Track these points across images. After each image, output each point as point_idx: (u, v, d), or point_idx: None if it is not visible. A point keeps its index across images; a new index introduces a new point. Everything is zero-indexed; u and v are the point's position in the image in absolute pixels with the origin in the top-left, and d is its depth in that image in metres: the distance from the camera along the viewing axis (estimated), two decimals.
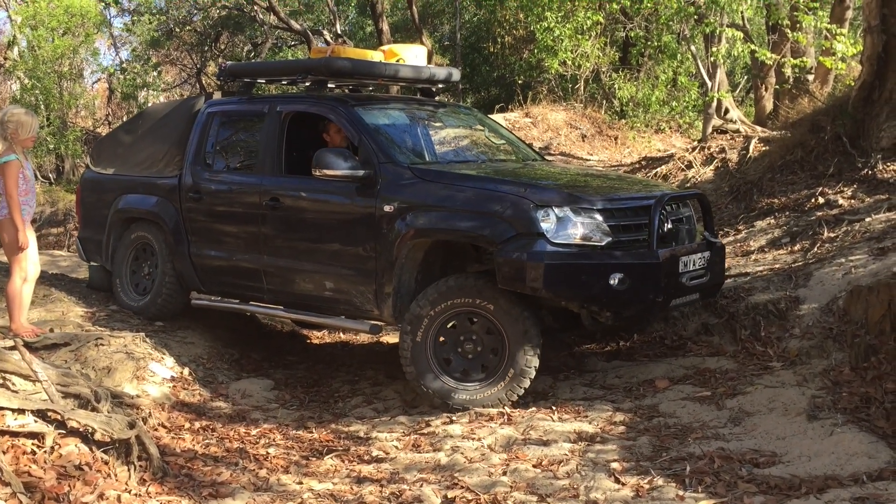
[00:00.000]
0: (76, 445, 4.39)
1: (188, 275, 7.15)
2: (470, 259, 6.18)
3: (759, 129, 12.52)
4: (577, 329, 6.51)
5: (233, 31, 24.43)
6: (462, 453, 4.94)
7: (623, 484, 4.35)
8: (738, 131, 12.21)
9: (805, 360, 5.66)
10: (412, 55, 7.35)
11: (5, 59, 22.49)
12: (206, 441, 5.29)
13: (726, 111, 12.86)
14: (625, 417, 5.32)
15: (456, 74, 7.69)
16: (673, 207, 5.93)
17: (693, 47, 12.83)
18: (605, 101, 18.25)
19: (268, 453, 5.15)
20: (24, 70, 20.20)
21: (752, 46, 11.90)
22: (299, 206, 6.47)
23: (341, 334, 8.40)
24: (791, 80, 13.28)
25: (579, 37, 15.11)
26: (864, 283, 5.86)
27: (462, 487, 4.43)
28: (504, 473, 4.60)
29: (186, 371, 6.45)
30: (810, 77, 13.29)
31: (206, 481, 4.63)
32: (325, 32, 21.01)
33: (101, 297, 7.76)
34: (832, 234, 7.51)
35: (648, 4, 12.25)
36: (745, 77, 20.46)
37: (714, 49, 11.87)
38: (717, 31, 11.64)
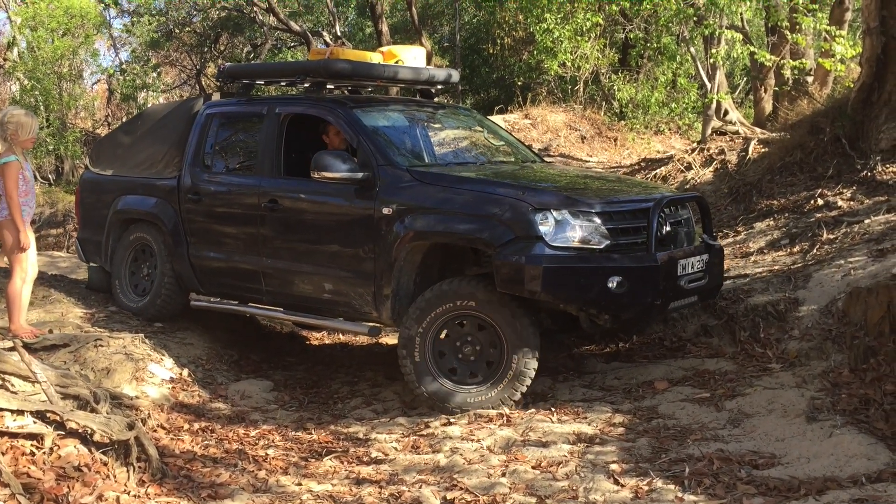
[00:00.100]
0: (75, 446, 4.38)
1: (187, 276, 7.15)
2: (468, 261, 6.18)
3: (758, 130, 12.53)
4: (576, 331, 6.51)
5: (232, 32, 24.43)
6: (461, 454, 4.94)
7: (622, 485, 4.36)
8: (737, 133, 12.23)
9: (804, 362, 5.67)
10: (411, 56, 7.34)
11: (5, 60, 22.45)
12: (206, 442, 5.29)
13: (725, 113, 12.89)
14: (624, 419, 5.32)
15: (455, 76, 7.68)
16: (671, 210, 5.92)
17: (692, 49, 12.83)
18: (604, 103, 18.24)
19: (267, 454, 5.15)
20: (23, 71, 20.16)
21: (752, 48, 11.92)
22: (298, 207, 6.47)
23: (340, 335, 8.39)
24: (790, 81, 13.28)
25: (579, 38, 15.12)
26: (864, 284, 5.87)
27: (461, 489, 4.44)
28: (503, 475, 4.61)
29: (185, 372, 6.45)
30: (809, 79, 13.30)
31: (205, 482, 4.63)
32: (325, 34, 21.03)
33: (100, 298, 7.76)
34: (831, 236, 7.51)
35: (648, 6, 12.25)
36: (745, 79, 20.46)
37: (713, 51, 11.88)
38: (717, 33, 11.65)
